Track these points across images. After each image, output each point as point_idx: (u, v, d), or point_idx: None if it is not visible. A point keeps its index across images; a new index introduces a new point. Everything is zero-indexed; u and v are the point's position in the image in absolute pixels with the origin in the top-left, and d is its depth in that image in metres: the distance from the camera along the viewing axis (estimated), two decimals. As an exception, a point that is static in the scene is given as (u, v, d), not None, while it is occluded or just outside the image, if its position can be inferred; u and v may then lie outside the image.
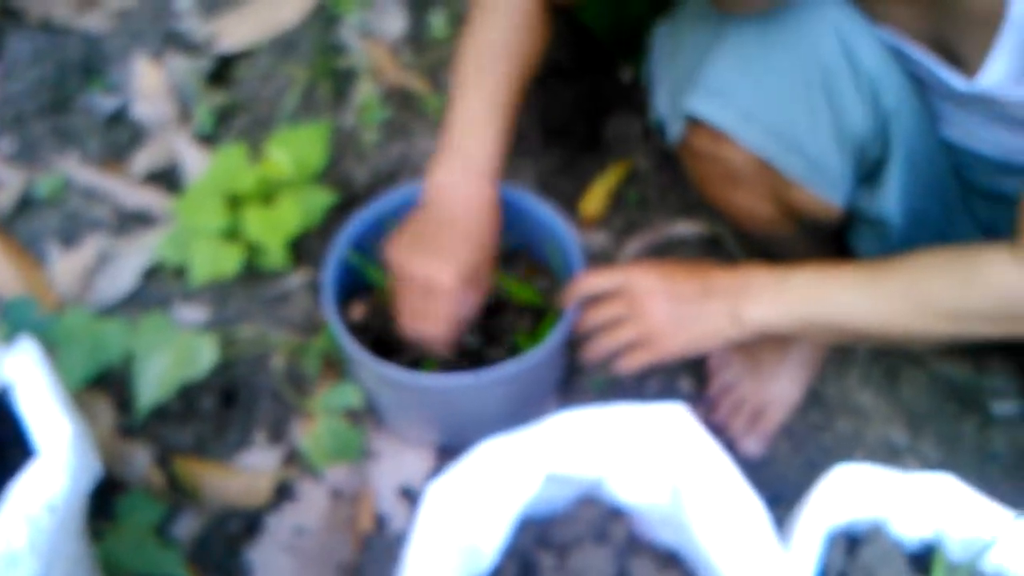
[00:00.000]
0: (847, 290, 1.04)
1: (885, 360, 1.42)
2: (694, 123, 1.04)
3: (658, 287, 1.13)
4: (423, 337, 1.19)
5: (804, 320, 1.06)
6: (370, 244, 1.31)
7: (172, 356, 1.26)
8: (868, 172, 1.12)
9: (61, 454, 0.84)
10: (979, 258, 0.99)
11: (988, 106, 1.08)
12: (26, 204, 1.62)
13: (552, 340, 1.20)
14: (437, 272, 1.13)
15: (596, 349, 1.18)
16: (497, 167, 1.16)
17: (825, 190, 1.08)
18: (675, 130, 1.07)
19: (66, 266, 1.54)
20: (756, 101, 1.01)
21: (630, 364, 1.16)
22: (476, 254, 1.15)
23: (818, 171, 1.06)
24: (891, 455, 1.34)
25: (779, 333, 1.08)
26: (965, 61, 1.04)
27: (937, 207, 1.18)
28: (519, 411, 1.33)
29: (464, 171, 1.15)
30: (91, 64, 1.76)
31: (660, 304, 1.12)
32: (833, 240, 1.27)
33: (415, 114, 1.59)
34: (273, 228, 1.35)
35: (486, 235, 1.16)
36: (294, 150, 1.38)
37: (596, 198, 1.59)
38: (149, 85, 1.71)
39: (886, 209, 1.13)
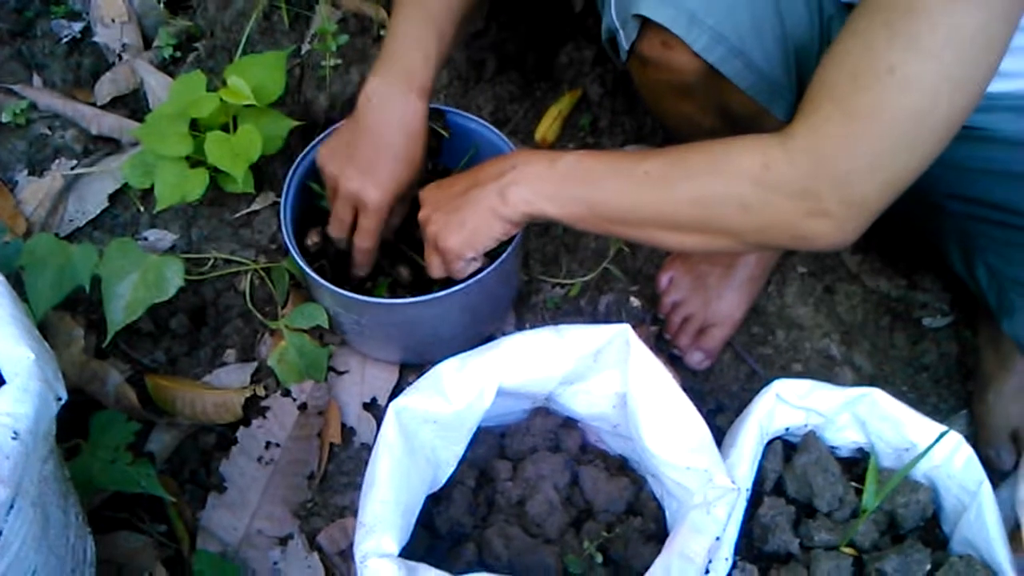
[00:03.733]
0: (607, 171, 0.98)
1: (822, 277, 1.41)
2: (644, 29, 1.01)
3: (433, 194, 1.10)
4: (355, 247, 1.20)
5: (566, 199, 0.99)
6: None
7: (140, 279, 1.23)
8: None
9: (23, 380, 0.81)
10: (742, 138, 0.92)
11: None
12: (-9, 130, 1.56)
13: (492, 268, 1.17)
14: (364, 189, 1.13)
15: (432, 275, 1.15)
16: (428, 81, 1.12)
17: (768, 99, 1.05)
18: (627, 37, 1.04)
19: (33, 191, 1.49)
20: (703, 5, 0.96)
21: (431, 271, 1.13)
22: (402, 171, 1.14)
23: (762, 78, 1.02)
24: (827, 366, 1.35)
25: (548, 215, 1.00)
26: None
27: None
28: (476, 328, 1.32)
29: (395, 82, 1.11)
30: (52, -10, 1.68)
31: (435, 210, 1.08)
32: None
33: (372, 40, 1.54)
34: (235, 154, 1.30)
35: (412, 150, 1.14)
36: (253, 77, 1.33)
37: (549, 124, 1.55)
38: (110, 11, 1.64)
39: None
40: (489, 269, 1.17)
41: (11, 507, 0.80)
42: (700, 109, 1.10)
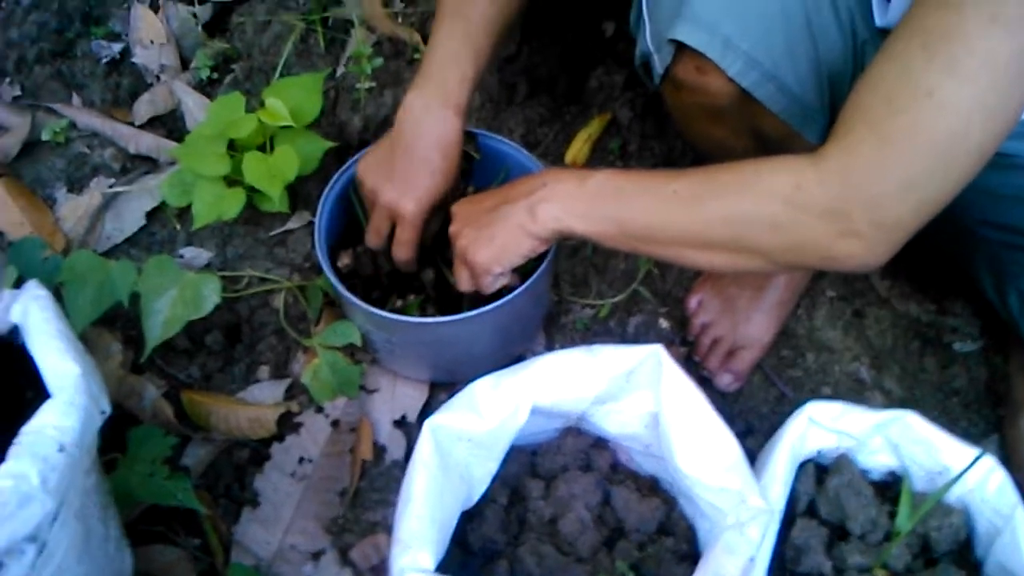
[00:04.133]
0: (636, 189, 0.98)
1: (852, 301, 1.41)
2: (679, 54, 1.02)
3: (464, 208, 1.11)
4: (394, 258, 1.22)
5: (595, 217, 0.99)
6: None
7: (178, 296, 1.24)
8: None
9: (70, 395, 0.82)
10: (773, 159, 0.92)
11: None
12: (31, 148, 1.59)
13: (524, 288, 1.18)
14: (401, 201, 1.15)
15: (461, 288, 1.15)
16: (463, 98, 1.14)
17: (801, 123, 1.06)
18: (662, 62, 1.05)
19: (72, 208, 1.51)
20: (738, 31, 0.98)
21: (459, 284, 1.14)
22: (437, 184, 1.16)
23: (795, 102, 1.03)
24: (857, 390, 1.35)
25: (577, 233, 1.01)
26: None
27: None
28: (506, 348, 1.33)
29: (431, 98, 1.14)
30: (92, 11, 1.71)
31: (466, 224, 1.09)
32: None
33: (407, 63, 1.56)
34: (271, 174, 1.32)
35: (447, 164, 1.16)
36: (290, 98, 1.35)
37: (579, 147, 1.56)
38: (149, 32, 1.67)
39: None
40: (521, 288, 1.18)
41: (55, 518, 0.81)
42: (732, 133, 1.11)
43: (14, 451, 0.77)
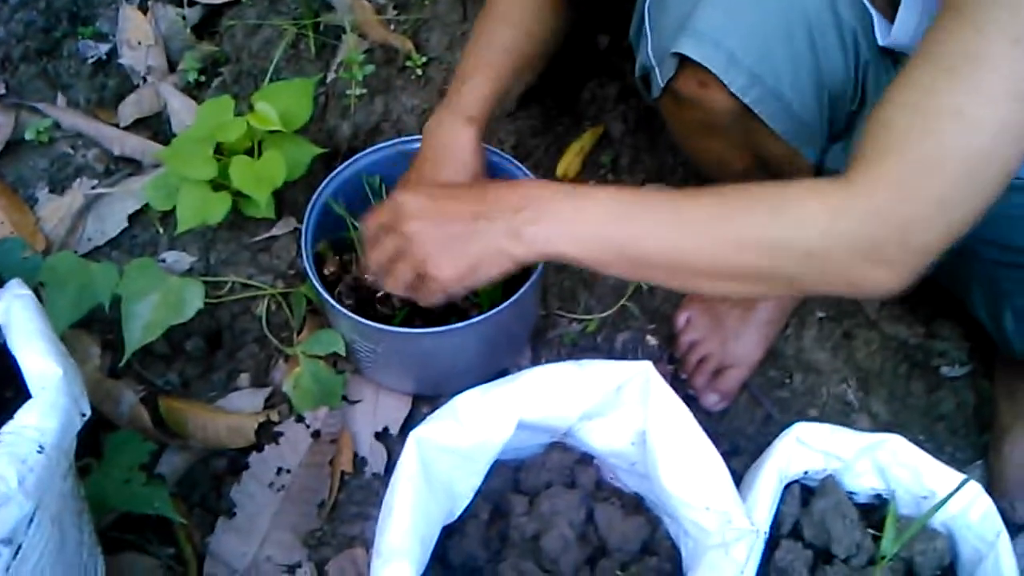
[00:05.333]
0: (643, 211, 0.90)
1: (841, 322, 1.43)
2: (682, 67, 1.04)
3: (425, 208, 0.97)
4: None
5: (593, 241, 0.91)
6: (349, 198, 1.32)
7: (159, 300, 1.25)
8: (840, 130, 1.12)
9: (51, 395, 0.83)
10: (797, 184, 0.90)
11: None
12: (14, 147, 1.59)
13: (511, 302, 1.19)
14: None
15: (386, 287, 1.04)
16: (477, 111, 1.17)
17: (801, 141, 1.08)
18: (664, 75, 1.06)
19: (53, 209, 1.51)
20: (743, 46, 0.99)
21: (390, 285, 1.02)
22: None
23: (795, 120, 1.05)
24: (844, 412, 1.36)
25: (568, 257, 0.92)
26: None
27: None
28: (492, 362, 1.34)
29: (450, 115, 1.18)
30: (79, 10, 1.72)
31: (428, 228, 0.96)
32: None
33: (397, 71, 1.57)
34: (259, 179, 1.32)
35: (463, 166, 1.17)
36: (280, 103, 1.36)
37: (571, 160, 1.57)
38: (137, 33, 1.67)
39: None
40: (511, 301, 1.19)
41: (32, 521, 0.81)
42: (731, 148, 1.12)
43: (-8, 451, 0.77)
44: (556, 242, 0.92)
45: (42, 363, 0.84)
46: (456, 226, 0.95)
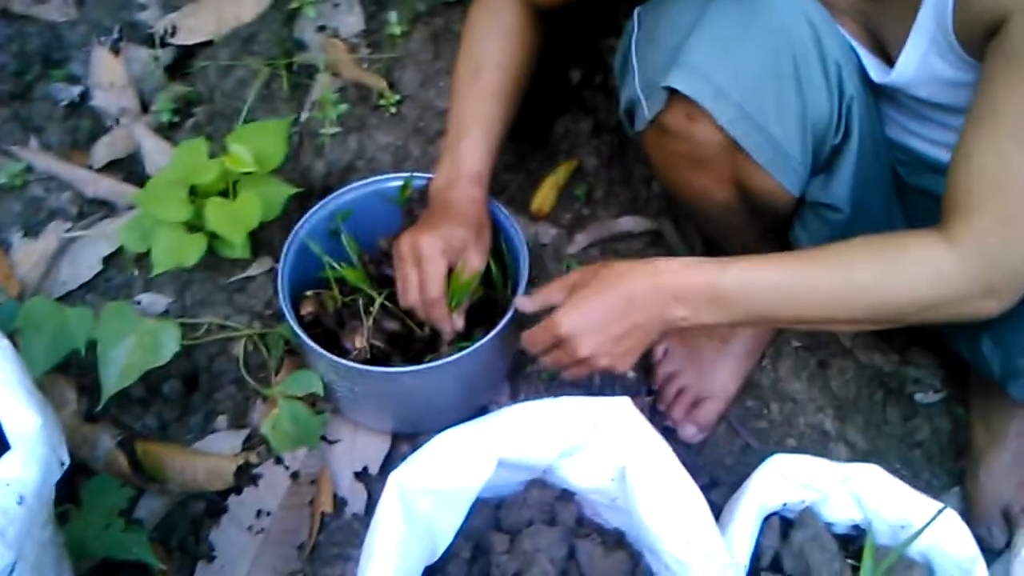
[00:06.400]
0: (778, 288, 1.02)
1: (816, 352, 1.45)
2: (671, 101, 1.07)
3: (583, 324, 1.07)
4: (426, 309, 1.21)
5: (727, 316, 1.04)
6: (324, 238, 1.34)
7: (136, 344, 1.25)
8: (822, 164, 1.15)
9: (30, 446, 0.83)
10: (907, 246, 1.00)
11: (908, 101, 1.12)
12: (-14, 191, 1.59)
13: (489, 339, 1.21)
14: (417, 238, 1.18)
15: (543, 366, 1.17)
16: (482, 169, 1.25)
17: (784, 175, 1.11)
18: (651, 108, 1.09)
19: (27, 253, 1.51)
20: (731, 81, 1.03)
21: (572, 375, 1.15)
22: (462, 229, 1.20)
23: (780, 155, 1.09)
24: (821, 441, 1.38)
25: (698, 325, 1.06)
26: (890, 53, 1.08)
27: (879, 201, 1.21)
28: (471, 399, 1.35)
29: (454, 176, 1.24)
30: (51, 53, 1.72)
31: (588, 339, 1.07)
32: (775, 232, 1.28)
33: (371, 109, 1.58)
34: (234, 220, 1.34)
35: (474, 218, 1.22)
36: (255, 144, 1.37)
37: (546, 194, 1.60)
38: (109, 75, 1.68)
39: (837, 196, 1.16)
40: (486, 339, 1.20)
41: (12, 572, 0.81)
42: (714, 181, 1.15)
43: (-29, 504, 0.78)
44: (691, 319, 1.05)
45: (20, 413, 0.84)
46: (615, 328, 1.06)
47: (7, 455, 0.82)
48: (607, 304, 1.06)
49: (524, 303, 1.16)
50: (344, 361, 1.21)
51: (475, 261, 1.22)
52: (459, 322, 1.23)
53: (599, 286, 1.07)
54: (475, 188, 1.24)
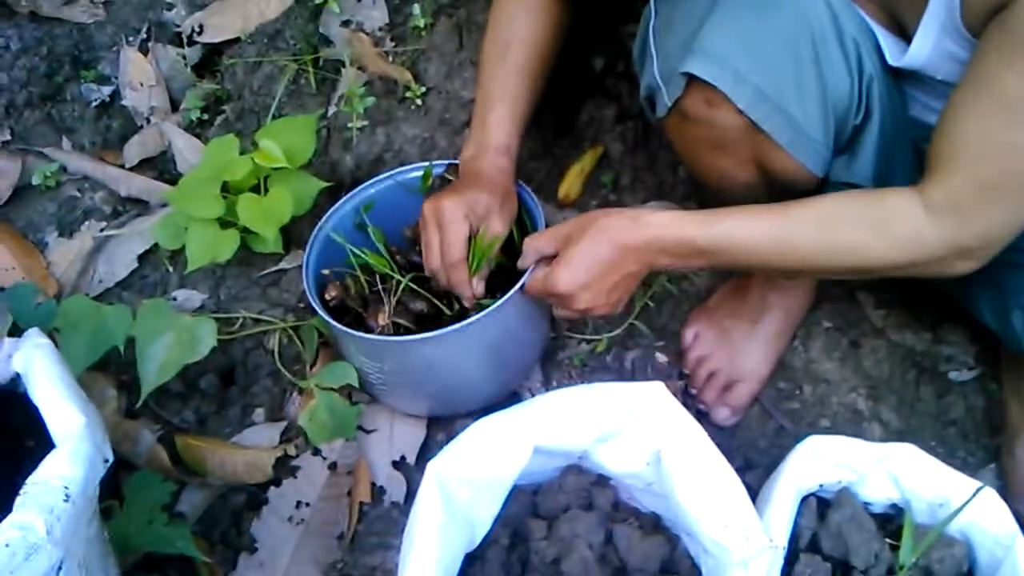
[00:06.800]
0: (760, 245, 1.07)
1: (847, 331, 1.44)
2: (689, 87, 1.06)
3: (578, 281, 1.13)
4: (447, 272, 1.22)
5: (714, 266, 1.16)
6: (351, 230, 1.35)
7: (174, 340, 1.26)
8: (844, 144, 1.14)
9: (75, 444, 0.84)
10: (886, 207, 1.03)
11: (931, 80, 1.10)
12: (22, 192, 1.61)
13: (504, 298, 1.21)
14: (440, 200, 1.20)
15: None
16: (509, 141, 1.27)
17: (806, 156, 1.10)
18: (671, 94, 1.09)
19: (63, 253, 1.53)
20: (749, 64, 1.03)
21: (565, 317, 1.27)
22: (487, 195, 1.21)
23: (801, 136, 1.08)
24: (855, 421, 1.37)
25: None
26: (907, 32, 1.07)
27: (903, 178, 1.19)
28: (501, 377, 1.34)
29: (481, 147, 1.27)
30: (81, 54, 1.74)
31: (584, 294, 1.14)
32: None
33: (397, 101, 1.58)
34: (266, 216, 1.34)
35: (499, 185, 1.23)
36: (284, 140, 1.38)
37: (572, 181, 1.59)
38: (138, 75, 1.70)
39: (861, 175, 1.15)
40: (504, 298, 1.20)
41: (60, 568, 0.82)
42: (736, 163, 1.14)
43: (21, 501, 0.79)
44: (677, 267, 1.16)
45: (65, 412, 0.85)
46: (607, 279, 1.13)
47: (53, 453, 0.83)
48: (600, 259, 1.12)
49: (521, 260, 1.22)
50: (367, 336, 1.22)
51: (497, 226, 1.22)
52: (479, 287, 1.24)
53: (591, 243, 1.12)
54: (502, 158, 1.26)
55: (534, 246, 1.20)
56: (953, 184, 0.98)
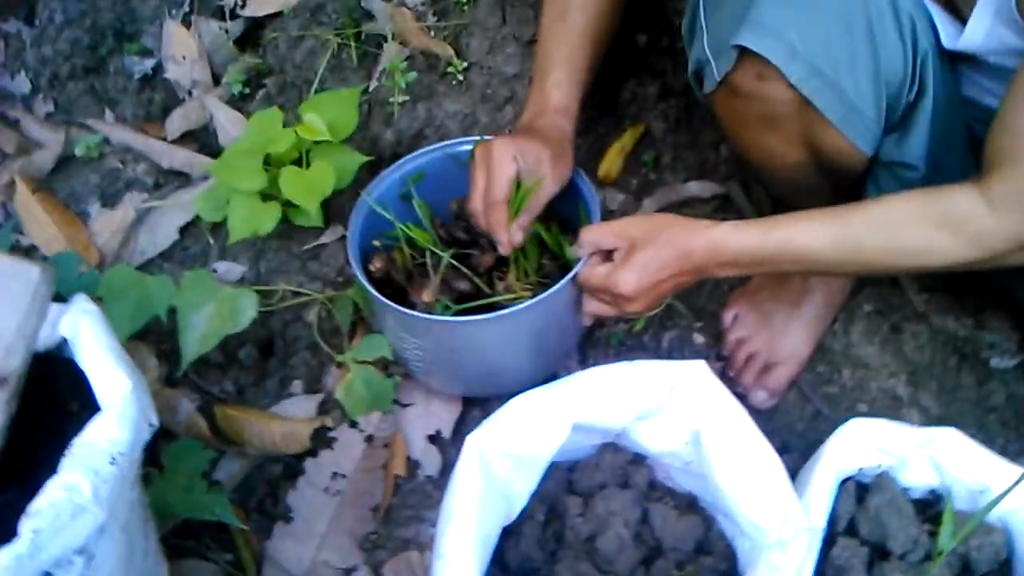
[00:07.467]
0: (823, 251, 1.06)
1: (888, 316, 1.42)
2: (741, 60, 1.05)
3: (642, 287, 1.13)
4: (486, 211, 1.20)
5: (774, 273, 1.19)
6: (395, 202, 1.33)
7: (215, 311, 1.27)
8: (896, 122, 1.12)
9: (121, 408, 0.84)
10: (947, 206, 1.01)
11: (979, 62, 1.08)
12: (65, 163, 1.62)
13: (557, 286, 1.19)
14: (491, 143, 1.20)
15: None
16: (568, 103, 1.26)
17: (857, 133, 1.09)
18: (721, 69, 1.08)
19: (105, 223, 1.54)
20: (802, 38, 1.01)
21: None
22: (540, 146, 1.20)
23: (853, 112, 1.07)
24: (893, 406, 1.35)
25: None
26: (962, 13, 1.05)
27: (955, 158, 1.17)
28: (541, 360, 1.33)
29: (540, 109, 1.26)
30: (124, 27, 1.74)
31: (642, 300, 1.15)
32: (847, 192, 1.25)
33: (439, 77, 1.58)
34: (308, 189, 1.34)
35: (555, 142, 1.23)
36: (327, 113, 1.38)
37: (613, 160, 1.58)
38: (181, 48, 1.70)
39: (913, 154, 1.13)
40: (556, 287, 1.19)
41: (103, 530, 0.83)
42: (785, 141, 1.13)
43: (67, 463, 0.79)
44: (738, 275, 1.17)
45: (112, 376, 0.86)
46: (664, 286, 1.14)
47: (99, 416, 0.83)
48: (664, 267, 1.13)
49: (576, 248, 1.20)
50: (412, 312, 1.21)
51: (545, 173, 1.21)
52: (516, 236, 1.21)
53: (659, 251, 1.12)
54: (562, 119, 1.25)
55: (592, 239, 1.18)
56: (1016, 179, 0.97)
